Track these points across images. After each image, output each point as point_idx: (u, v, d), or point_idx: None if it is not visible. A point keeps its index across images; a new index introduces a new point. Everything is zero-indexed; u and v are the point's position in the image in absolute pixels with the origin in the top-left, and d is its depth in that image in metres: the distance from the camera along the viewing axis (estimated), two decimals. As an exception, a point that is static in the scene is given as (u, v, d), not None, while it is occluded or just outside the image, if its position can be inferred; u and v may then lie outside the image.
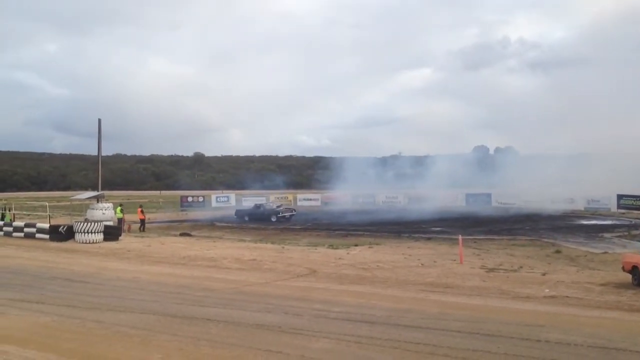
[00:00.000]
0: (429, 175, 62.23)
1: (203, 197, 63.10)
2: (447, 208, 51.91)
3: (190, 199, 62.40)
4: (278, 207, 49.01)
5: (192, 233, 33.74)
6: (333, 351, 9.18)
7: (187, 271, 19.22)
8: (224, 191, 75.11)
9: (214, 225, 40.61)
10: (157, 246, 26.57)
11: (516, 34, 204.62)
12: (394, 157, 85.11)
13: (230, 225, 40.84)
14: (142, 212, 36.39)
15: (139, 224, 35.56)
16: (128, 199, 59.91)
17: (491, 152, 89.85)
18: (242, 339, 9.96)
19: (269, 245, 26.72)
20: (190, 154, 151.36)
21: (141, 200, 57.15)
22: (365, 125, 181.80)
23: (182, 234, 32.99)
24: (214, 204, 61.26)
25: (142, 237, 31.42)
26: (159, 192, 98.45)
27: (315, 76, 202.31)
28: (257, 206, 47.71)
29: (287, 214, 45.79)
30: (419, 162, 73.29)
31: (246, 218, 45.22)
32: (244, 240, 29.44)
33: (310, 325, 10.95)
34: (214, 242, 28.73)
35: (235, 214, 46.95)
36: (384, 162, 78.74)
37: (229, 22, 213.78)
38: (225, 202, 62.27)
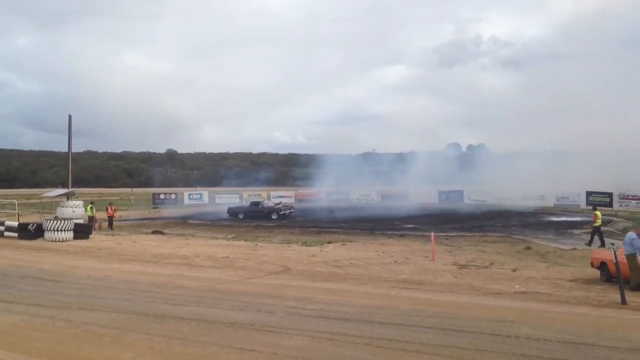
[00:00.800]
0: (404, 172, 62.63)
1: (175, 194, 62.57)
2: (420, 205, 52.23)
3: (162, 196, 61.84)
4: (277, 204, 47.48)
5: (164, 231, 33.46)
6: (306, 348, 9.19)
7: (159, 269, 19.05)
8: (197, 188, 74.57)
9: (186, 223, 40.30)
10: (129, 244, 26.29)
11: (490, 32, 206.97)
12: (368, 154, 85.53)
13: (203, 222, 40.57)
14: (112, 209, 35.87)
15: (108, 222, 35.15)
16: (99, 197, 59.07)
17: (464, 149, 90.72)
18: (214, 337, 9.91)
19: (242, 243, 26.63)
20: (163, 150, 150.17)
21: (112, 198, 56.36)
22: (341, 121, 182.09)
23: (154, 232, 32.68)
24: (186, 201, 60.78)
25: (113, 235, 31.08)
26: (130, 189, 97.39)
27: (291, 72, 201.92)
28: (255, 204, 45.91)
29: (286, 212, 44.61)
30: (394, 159, 73.72)
31: (240, 216, 43.95)
32: (217, 238, 29.29)
33: (284, 322, 10.94)
34: (187, 239, 28.53)
35: (228, 211, 45.41)
36: (359, 159, 78.96)
37: (207, 16, 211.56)
38: (199, 199, 61.88)
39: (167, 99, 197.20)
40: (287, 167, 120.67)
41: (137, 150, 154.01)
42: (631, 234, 15.86)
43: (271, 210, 44.53)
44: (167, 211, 52.75)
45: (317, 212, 48.52)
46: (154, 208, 56.54)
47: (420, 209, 48.05)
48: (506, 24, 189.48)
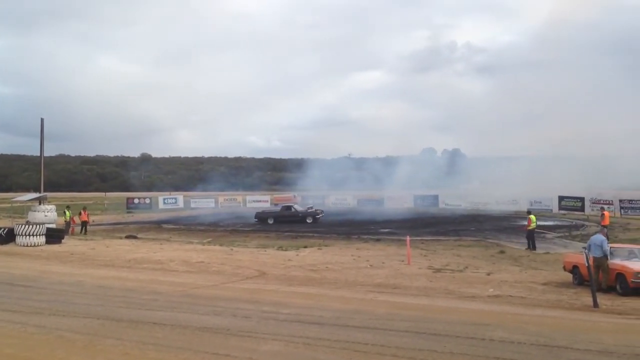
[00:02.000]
0: (380, 176, 62.91)
1: (150, 198, 62.04)
2: (396, 209, 52.48)
3: (136, 200, 61.35)
4: (309, 208, 46.29)
5: (138, 235, 33.13)
6: (282, 353, 9.16)
7: (132, 274, 18.85)
8: (171, 193, 74.00)
9: (161, 227, 39.95)
10: (102, 249, 25.98)
11: (465, 38, 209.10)
12: (345, 159, 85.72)
13: (177, 227, 40.24)
14: (86, 214, 35.37)
15: (81, 227, 34.67)
16: (72, 201, 58.44)
17: (439, 154, 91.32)
18: (189, 342, 9.82)
19: (218, 247, 26.49)
20: (137, 154, 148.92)
21: (85, 202, 55.74)
22: (317, 126, 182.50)
23: (127, 237, 32.34)
24: (161, 205, 60.30)
25: (86, 239, 30.66)
26: (104, 193, 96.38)
27: (268, 77, 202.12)
28: (287, 207, 44.34)
29: (319, 215, 43.32)
30: (370, 163, 74.03)
31: (270, 221, 42.10)
32: (192, 243, 29.09)
33: (259, 327, 10.89)
34: (161, 244, 28.28)
35: (256, 216, 43.44)
36: (335, 164, 79.03)
37: (182, 20, 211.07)
38: (173, 203, 61.43)
39: (141, 103, 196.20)
40: (263, 172, 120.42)
41: (111, 155, 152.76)
42: (600, 237, 16.13)
43: (306, 214, 43.24)
44: (141, 215, 52.26)
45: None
46: (127, 212, 55.97)
47: (396, 214, 48.21)
48: (480, 31, 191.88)
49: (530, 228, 25.35)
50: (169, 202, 61.67)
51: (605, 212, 28.87)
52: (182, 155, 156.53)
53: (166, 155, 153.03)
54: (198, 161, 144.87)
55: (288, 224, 40.27)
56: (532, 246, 24.85)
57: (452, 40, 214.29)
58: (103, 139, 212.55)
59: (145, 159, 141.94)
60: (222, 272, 19.05)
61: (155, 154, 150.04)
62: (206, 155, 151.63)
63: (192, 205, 60.41)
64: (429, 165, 66.62)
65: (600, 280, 15.41)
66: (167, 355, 9.09)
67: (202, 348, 9.39)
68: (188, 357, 8.95)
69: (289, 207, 44.31)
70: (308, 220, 41.91)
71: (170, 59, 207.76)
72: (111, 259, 22.53)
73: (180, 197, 64.35)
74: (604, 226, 26.81)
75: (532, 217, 25.71)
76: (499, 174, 56.33)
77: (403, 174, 61.41)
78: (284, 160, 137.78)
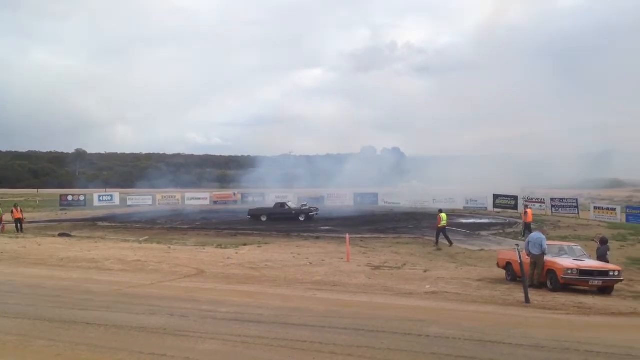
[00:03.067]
0: (323, 174, 63.17)
1: (84, 195, 60.28)
2: (336, 207, 52.79)
3: (70, 197, 59.49)
4: (303, 205, 45.44)
5: (72, 233, 32.17)
6: (220, 352, 9.07)
7: (65, 273, 18.26)
8: (107, 190, 72.14)
9: (96, 225, 38.88)
10: (34, 247, 25.10)
11: (405, 38, 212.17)
12: (286, 156, 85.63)
13: (113, 225, 39.22)
14: (19, 211, 34.05)
15: (15, 224, 33.40)
16: (2, 198, 56.19)
17: (379, 152, 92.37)
18: (124, 342, 9.60)
19: (155, 246, 26.03)
20: (72, 150, 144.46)
21: (16, 199, 53.77)
22: (258, 123, 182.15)
23: (60, 235, 31.35)
24: (96, 203, 58.70)
25: (17, 237, 29.57)
26: (36, 190, 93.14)
27: (207, 73, 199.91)
28: (281, 205, 43.47)
29: (313, 213, 42.93)
30: (306, 161, 74.22)
31: (263, 218, 41.59)
32: (128, 241, 28.48)
33: (197, 326, 10.75)
34: (96, 242, 27.57)
35: (249, 213, 42.94)
36: (275, 161, 78.84)
37: (119, 13, 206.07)
38: (109, 201, 59.90)
39: (77, 98, 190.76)
40: (203, 169, 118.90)
41: (45, 150, 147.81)
42: (540, 235, 16.69)
43: (299, 212, 42.68)
44: (76, 213, 50.76)
45: (233, 214, 48.08)
46: (61, 210, 54.24)
47: (336, 211, 48.47)
48: (420, 32, 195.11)
49: (440, 226, 26.33)
50: (105, 200, 60.09)
51: (528, 210, 30.53)
52: (119, 151, 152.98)
53: (102, 152, 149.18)
54: (135, 157, 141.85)
55: (281, 221, 39.86)
56: (447, 242, 25.83)
57: (393, 40, 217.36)
58: (36, 134, 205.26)
59: (80, 155, 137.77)
60: (159, 270, 18.72)
61: (91, 150, 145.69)
62: (144, 152, 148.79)
63: (129, 203, 59.05)
64: (374, 164, 67.34)
65: (533, 277, 15.96)
66: (102, 356, 8.86)
67: (138, 348, 9.19)
68: (123, 358, 8.74)
69: (282, 205, 43.63)
70: (301, 219, 41.38)
71: (106, 53, 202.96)
72: (43, 258, 21.78)
73: (116, 194, 62.79)
74: (527, 223, 28.30)
75: (443, 215, 26.80)
76: (437, 172, 57.48)
77: (348, 172, 61.91)
78: (224, 157, 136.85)
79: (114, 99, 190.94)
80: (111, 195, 61.96)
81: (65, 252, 23.13)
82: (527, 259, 15.89)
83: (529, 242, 16.64)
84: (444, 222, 26.29)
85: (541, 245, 16.22)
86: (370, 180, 61.81)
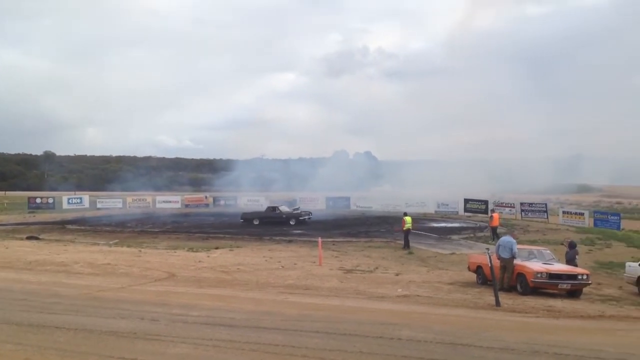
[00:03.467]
0: (294, 178, 63.08)
1: (53, 198, 59.29)
2: (310, 210, 52.74)
3: (38, 200, 58.44)
4: (295, 209, 45.06)
5: (41, 236, 31.71)
6: (190, 356, 8.97)
7: (34, 277, 17.95)
8: (76, 192, 71.03)
9: (65, 228, 38.30)
10: (1, 250, 24.67)
11: (377, 43, 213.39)
12: (258, 159, 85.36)
13: (82, 228, 38.68)
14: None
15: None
16: (-33, 200, 55.15)
17: (351, 156, 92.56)
18: (93, 346, 9.45)
19: (125, 249, 25.75)
20: (40, 152, 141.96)
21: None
22: (230, 127, 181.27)
23: (28, 238, 30.90)
24: (65, 205, 57.72)
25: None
26: (3, 192, 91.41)
27: (179, 76, 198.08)
28: (272, 209, 43.27)
29: (305, 217, 42.54)
30: (282, 165, 74.11)
31: (255, 222, 41.13)
32: (98, 244, 28.11)
33: (168, 330, 10.63)
34: (65, 245, 27.17)
35: (242, 217, 42.34)
36: (248, 164, 78.52)
37: (90, 14, 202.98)
38: (79, 203, 58.97)
39: (46, 99, 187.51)
40: (174, 172, 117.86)
41: (12, 152, 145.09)
42: (510, 239, 16.90)
43: (290, 216, 42.14)
44: (44, 216, 49.93)
45: (205, 218, 47.79)
46: (29, 212, 53.31)
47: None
48: (391, 37, 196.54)
49: (405, 228, 26.76)
50: (74, 202, 59.08)
51: (495, 214, 31.10)
52: (89, 154, 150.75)
53: (71, 154, 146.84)
54: (105, 160, 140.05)
55: (273, 225, 39.51)
56: (406, 245, 26.29)
57: (365, 44, 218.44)
58: (4, 135, 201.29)
59: (49, 157, 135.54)
60: (129, 274, 18.50)
61: (60, 152, 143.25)
62: (114, 154, 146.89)
63: (99, 206, 58.23)
64: (347, 168, 67.39)
65: (503, 280, 16.14)
66: (70, 361, 8.72)
67: (108, 352, 9.05)
68: (92, 363, 8.62)
69: (274, 209, 43.39)
70: (291, 222, 40.98)
71: (77, 55, 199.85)
72: (10, 261, 21.38)
73: (85, 197, 61.74)
74: (493, 227, 28.83)
75: (407, 218, 27.27)
76: (409, 176, 57.77)
77: (322, 176, 61.90)
78: (196, 160, 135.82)
79: (84, 101, 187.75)
80: (81, 198, 60.95)
81: (33, 255, 22.75)
82: (497, 263, 16.07)
83: (499, 246, 16.85)
84: (408, 225, 26.62)
85: (511, 249, 16.42)
86: (345, 184, 61.82)
